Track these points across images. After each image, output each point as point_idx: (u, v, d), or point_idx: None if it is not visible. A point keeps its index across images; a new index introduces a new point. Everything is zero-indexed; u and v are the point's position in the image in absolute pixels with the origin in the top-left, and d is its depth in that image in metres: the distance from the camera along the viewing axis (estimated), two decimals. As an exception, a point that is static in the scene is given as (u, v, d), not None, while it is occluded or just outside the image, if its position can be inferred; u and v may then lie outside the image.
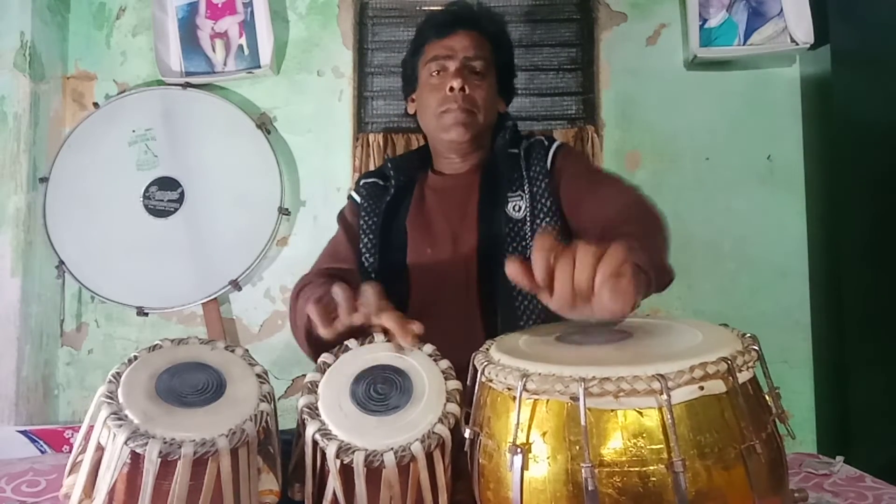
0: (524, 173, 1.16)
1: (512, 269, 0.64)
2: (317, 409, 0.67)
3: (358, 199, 1.25)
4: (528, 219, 1.12)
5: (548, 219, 1.12)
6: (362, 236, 1.19)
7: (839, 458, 0.95)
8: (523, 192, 1.14)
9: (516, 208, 1.13)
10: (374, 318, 0.79)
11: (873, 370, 1.70)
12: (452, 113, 1.15)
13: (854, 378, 1.74)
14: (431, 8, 1.75)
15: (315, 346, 0.98)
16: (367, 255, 1.18)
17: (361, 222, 1.21)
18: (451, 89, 1.14)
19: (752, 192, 1.94)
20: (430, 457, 0.64)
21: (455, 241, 1.14)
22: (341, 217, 1.27)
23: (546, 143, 1.21)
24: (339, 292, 0.82)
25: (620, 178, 1.15)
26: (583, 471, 0.49)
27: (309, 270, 1.20)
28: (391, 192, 1.21)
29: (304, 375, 0.73)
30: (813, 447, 1.86)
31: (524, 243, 1.10)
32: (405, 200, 1.21)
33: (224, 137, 1.98)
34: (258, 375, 0.72)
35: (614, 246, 0.59)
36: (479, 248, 1.12)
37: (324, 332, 0.83)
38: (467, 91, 1.14)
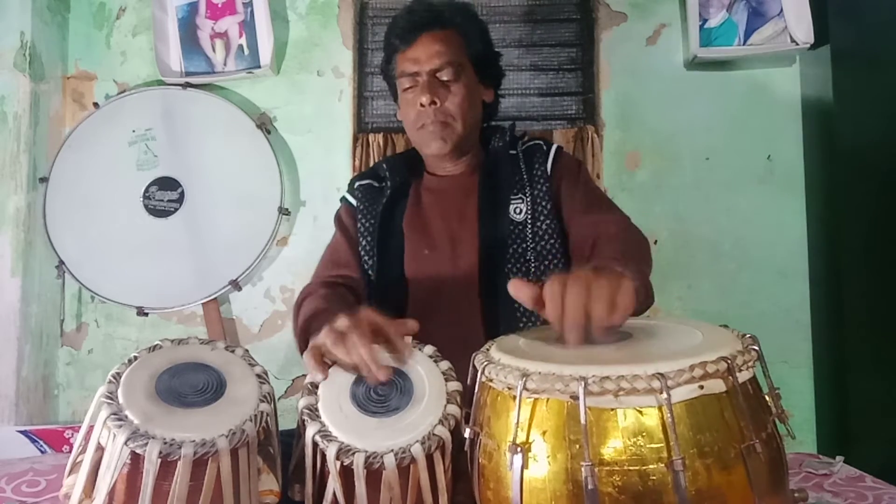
0: (525, 175, 1.16)
1: (515, 289, 0.66)
2: (317, 410, 0.67)
3: (353, 202, 1.23)
4: (529, 221, 1.11)
5: (548, 221, 1.12)
6: (360, 239, 1.19)
7: (839, 458, 0.95)
8: (524, 194, 1.14)
9: (517, 210, 1.13)
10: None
11: (873, 370, 1.70)
12: (428, 128, 1.13)
13: (854, 378, 1.74)
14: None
15: None
16: (367, 258, 1.17)
17: (359, 225, 1.20)
18: (422, 105, 1.12)
19: (752, 192, 1.94)
20: (430, 458, 0.64)
21: (454, 243, 1.13)
22: (338, 220, 1.25)
23: (545, 146, 1.20)
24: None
25: (612, 202, 1.20)
26: (583, 470, 0.49)
27: (311, 280, 1.19)
28: (387, 193, 1.20)
29: (305, 376, 0.73)
30: (813, 447, 1.86)
31: (525, 245, 1.10)
32: (401, 202, 1.19)
33: (224, 137, 1.99)
34: (258, 376, 0.72)
35: (626, 284, 0.62)
36: (480, 250, 1.11)
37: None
38: (439, 104, 1.12)
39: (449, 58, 1.14)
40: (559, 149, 1.20)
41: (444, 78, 1.14)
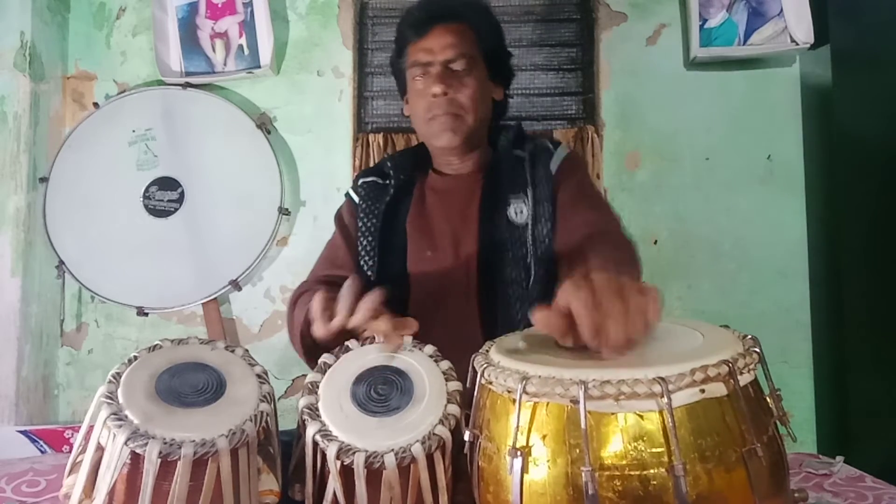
0: (528, 177, 1.14)
1: (543, 321, 0.59)
2: (317, 409, 0.67)
3: (356, 199, 1.22)
4: (530, 224, 1.10)
5: (549, 225, 1.10)
6: (360, 238, 1.17)
7: (839, 458, 0.94)
8: (526, 196, 1.12)
9: (519, 213, 1.11)
10: (368, 323, 0.78)
11: (873, 370, 1.70)
12: (439, 119, 1.12)
13: (854, 378, 1.74)
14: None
15: (309, 352, 0.99)
16: (367, 258, 1.16)
17: (360, 224, 1.18)
18: (434, 95, 1.11)
19: (752, 192, 1.95)
20: (430, 458, 0.64)
21: (456, 244, 1.12)
22: (338, 218, 1.24)
23: (552, 148, 1.18)
24: (343, 293, 0.81)
25: (608, 204, 1.17)
26: (583, 474, 0.49)
27: (307, 277, 1.19)
28: (391, 191, 1.19)
29: (305, 376, 0.73)
30: (813, 447, 1.86)
31: (525, 248, 1.09)
32: (405, 200, 1.18)
33: (224, 137, 1.99)
34: (258, 376, 0.72)
35: (653, 294, 0.58)
36: (479, 252, 1.10)
37: (320, 328, 0.82)
38: (450, 95, 1.11)
39: (462, 49, 1.13)
40: (568, 154, 1.18)
41: (457, 69, 1.13)
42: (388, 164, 1.24)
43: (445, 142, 1.14)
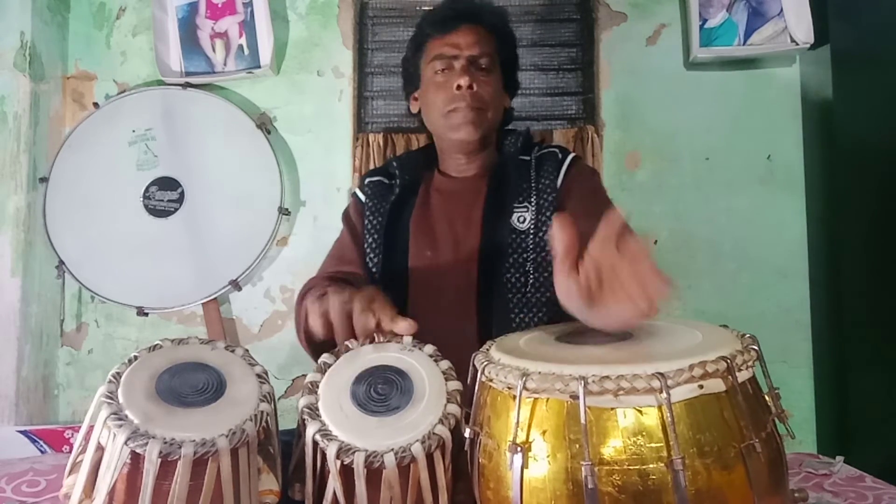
0: (533, 184, 1.14)
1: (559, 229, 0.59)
2: (317, 409, 0.67)
3: (363, 197, 1.24)
4: (532, 231, 1.10)
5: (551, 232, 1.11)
6: (367, 236, 1.19)
7: (839, 458, 0.95)
8: (530, 203, 1.12)
9: (521, 219, 1.11)
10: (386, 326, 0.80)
11: (873, 370, 1.70)
12: (461, 112, 1.12)
13: (854, 378, 1.74)
14: (431, 8, 1.77)
15: (316, 349, 0.99)
16: (372, 255, 1.17)
17: (366, 222, 1.20)
18: (459, 87, 1.11)
19: (752, 192, 1.94)
20: (430, 457, 0.64)
21: (457, 246, 1.13)
22: (346, 217, 1.26)
23: (560, 155, 1.18)
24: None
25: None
26: (583, 469, 0.49)
27: (316, 273, 1.19)
28: (396, 191, 1.20)
29: (305, 375, 0.73)
30: (813, 447, 1.86)
31: (525, 255, 1.09)
32: (410, 201, 1.19)
33: (224, 137, 1.99)
34: (258, 375, 0.72)
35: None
36: (480, 255, 1.11)
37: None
38: (475, 88, 1.12)
39: (487, 49, 1.16)
40: (574, 158, 1.18)
41: (482, 65, 1.15)
42: (395, 163, 1.26)
43: (465, 134, 1.14)
